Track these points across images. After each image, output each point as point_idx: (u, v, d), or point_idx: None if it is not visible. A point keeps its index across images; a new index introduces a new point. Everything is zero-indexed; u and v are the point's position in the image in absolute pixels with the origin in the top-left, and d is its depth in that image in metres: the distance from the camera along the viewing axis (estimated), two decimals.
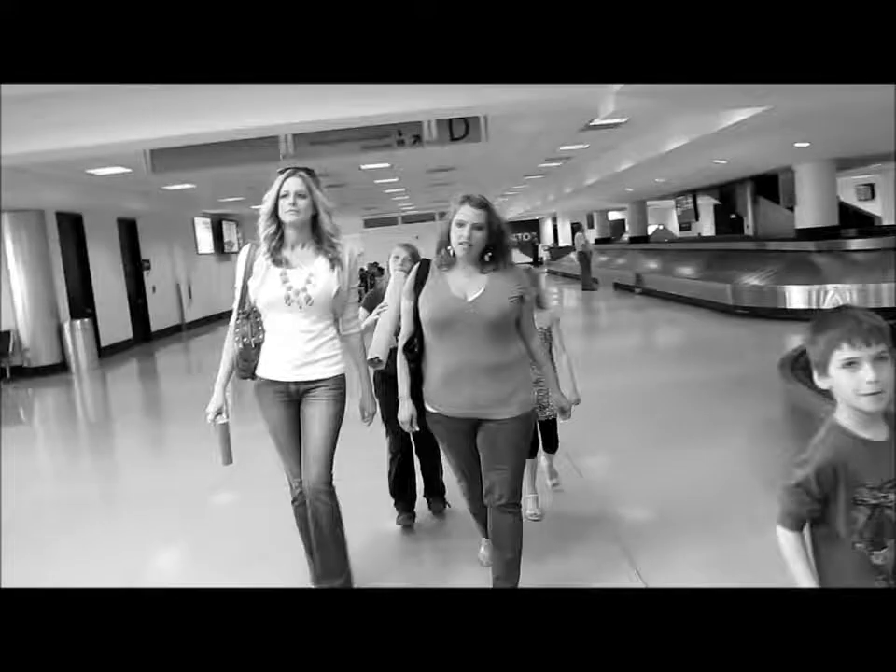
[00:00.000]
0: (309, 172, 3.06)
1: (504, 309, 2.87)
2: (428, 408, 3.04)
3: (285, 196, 2.99)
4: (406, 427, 3.11)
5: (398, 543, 3.97)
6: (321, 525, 3.11)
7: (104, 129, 7.16)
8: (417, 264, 3.10)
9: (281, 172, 3.06)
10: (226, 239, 21.09)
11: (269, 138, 7.41)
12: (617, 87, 6.34)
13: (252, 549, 4.01)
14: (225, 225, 21.05)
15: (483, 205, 2.86)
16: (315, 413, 3.09)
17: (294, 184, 3.00)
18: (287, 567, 3.53)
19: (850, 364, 1.63)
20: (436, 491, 4.21)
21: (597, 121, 8.86)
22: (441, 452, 3.29)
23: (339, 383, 3.14)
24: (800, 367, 4.89)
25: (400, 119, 7.18)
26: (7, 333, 12.22)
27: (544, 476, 4.31)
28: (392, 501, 4.10)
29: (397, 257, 3.81)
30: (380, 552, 3.84)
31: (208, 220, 20.04)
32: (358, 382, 3.27)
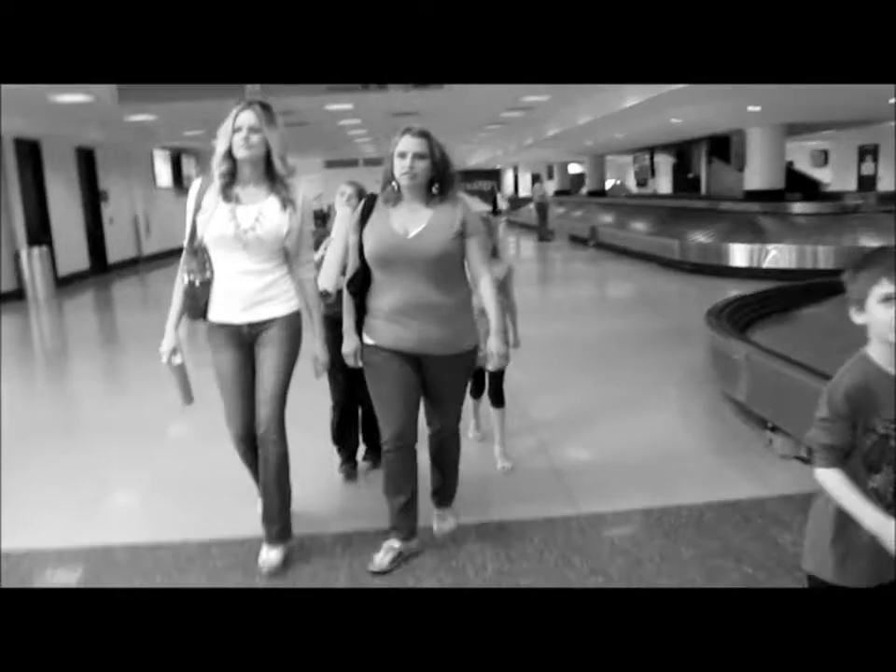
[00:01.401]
0: (264, 106, 2.91)
1: (445, 246, 2.83)
2: (368, 340, 2.99)
3: (238, 130, 2.85)
4: (350, 361, 3.05)
5: (341, 490, 3.93)
6: (268, 469, 3.03)
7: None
8: (364, 199, 3.04)
9: (237, 105, 2.91)
10: (185, 173, 20.86)
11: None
12: None
13: (204, 480, 4.05)
14: (184, 158, 20.83)
15: (424, 134, 2.83)
16: (268, 355, 2.99)
17: (248, 118, 2.85)
18: (239, 498, 3.55)
19: (888, 300, 1.64)
20: (375, 442, 3.95)
21: None
22: (368, 385, 3.07)
23: (292, 321, 3.04)
24: (724, 316, 5.33)
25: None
26: None
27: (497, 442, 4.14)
28: (335, 449, 4.05)
29: (342, 193, 3.74)
30: (324, 498, 3.79)
31: (167, 153, 19.82)
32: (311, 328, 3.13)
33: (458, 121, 16.40)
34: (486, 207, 36.13)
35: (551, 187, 28.55)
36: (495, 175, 37.43)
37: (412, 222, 2.86)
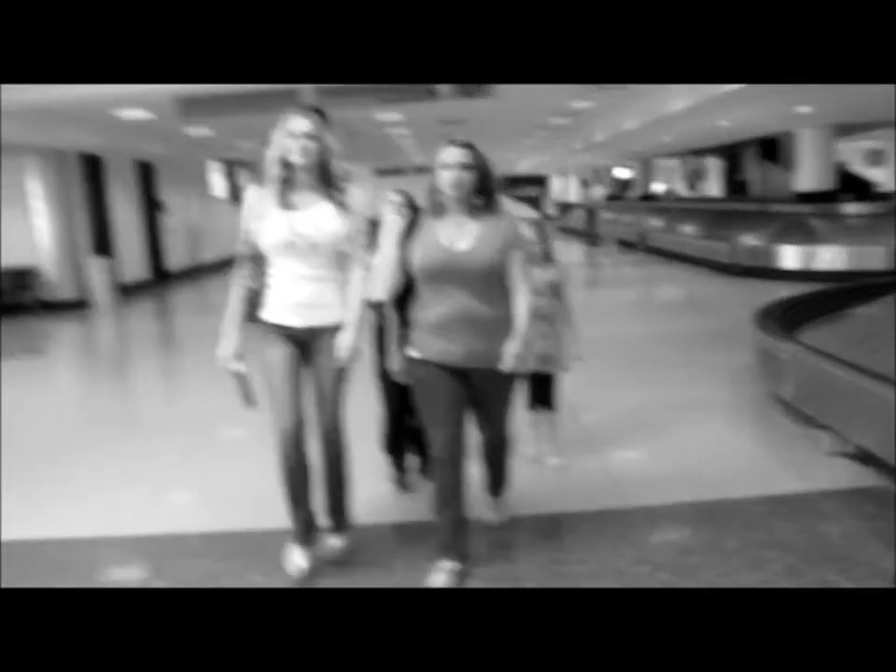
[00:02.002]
0: (319, 112, 2.94)
1: (493, 260, 2.84)
2: (413, 353, 2.99)
3: (293, 136, 2.87)
4: (399, 378, 3.10)
5: (393, 501, 3.88)
6: (332, 458, 3.13)
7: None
8: (408, 214, 3.05)
9: (291, 112, 2.94)
10: (238, 183, 21.43)
11: (292, 89, 7.80)
12: None
13: (251, 478, 4.12)
14: (237, 169, 21.36)
15: (468, 145, 2.83)
16: (326, 361, 3.03)
17: (303, 124, 2.87)
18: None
19: None
20: (425, 452, 3.95)
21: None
22: (416, 400, 3.07)
23: None
24: (772, 317, 5.38)
25: None
26: (32, 269, 12.72)
27: (543, 445, 4.19)
28: (386, 459, 4.00)
29: (391, 202, 3.69)
30: (376, 509, 3.74)
31: (221, 164, 20.34)
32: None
33: (506, 128, 16.55)
34: (534, 213, 36.20)
35: (599, 192, 28.52)
36: (542, 182, 37.47)
37: (459, 235, 2.86)
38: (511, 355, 2.92)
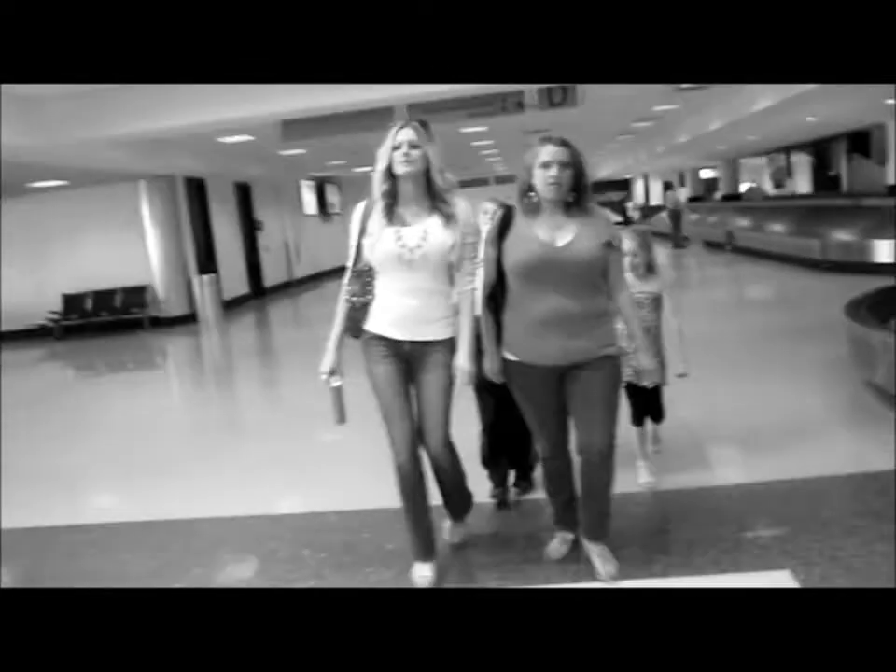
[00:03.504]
0: (422, 123, 2.97)
1: (594, 254, 2.81)
2: (511, 357, 2.97)
3: (398, 148, 2.88)
4: (496, 378, 3.04)
5: (490, 516, 3.77)
6: (447, 477, 3.19)
7: (236, 103, 8.22)
8: (501, 212, 3.02)
9: (394, 125, 2.97)
10: (328, 200, 22.25)
11: (386, 108, 8.28)
12: None
13: (353, 475, 4.51)
14: (328, 187, 22.17)
15: (565, 143, 2.81)
16: (433, 380, 3.02)
17: (407, 134, 2.89)
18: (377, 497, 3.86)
19: None
20: (526, 469, 3.96)
21: (686, 85, 9.35)
22: (517, 401, 3.11)
23: (453, 345, 3.05)
24: (863, 307, 5.51)
25: (504, 89, 7.95)
26: (145, 287, 13.64)
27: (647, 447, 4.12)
28: (485, 474, 3.90)
29: (486, 212, 3.66)
30: (476, 524, 3.60)
31: (312, 183, 21.16)
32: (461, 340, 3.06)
33: (589, 134, 16.76)
34: (617, 218, 36.13)
35: (683, 193, 28.32)
36: (625, 185, 37.34)
37: (557, 232, 2.84)
38: (645, 370, 3.09)
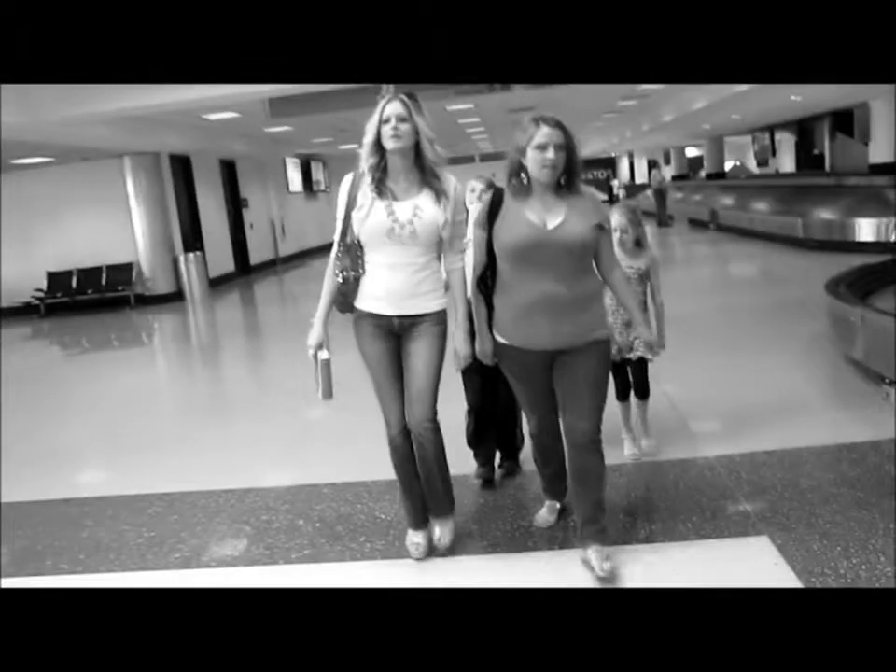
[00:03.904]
0: (410, 96, 2.88)
1: (585, 236, 2.79)
2: (501, 340, 2.97)
3: (386, 122, 2.82)
4: (487, 360, 3.05)
5: (475, 495, 3.78)
6: (428, 460, 3.06)
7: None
8: (490, 193, 2.99)
9: (382, 97, 2.88)
10: (314, 178, 22.18)
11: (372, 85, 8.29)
12: None
13: (343, 450, 4.57)
14: (313, 164, 22.09)
15: (560, 125, 2.76)
16: (420, 350, 3.00)
17: (395, 108, 2.82)
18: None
19: None
20: (512, 449, 3.96)
21: None
22: (512, 385, 3.15)
23: (442, 317, 3.05)
24: (843, 284, 5.64)
25: None
26: (130, 265, 13.62)
27: (637, 430, 4.16)
28: (471, 453, 3.90)
29: (473, 190, 3.63)
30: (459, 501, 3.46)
31: (297, 160, 21.08)
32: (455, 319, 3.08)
33: (574, 113, 16.78)
34: (602, 196, 36.21)
35: (668, 172, 28.42)
36: (610, 164, 37.41)
37: (548, 214, 2.80)
38: (646, 343, 3.14)
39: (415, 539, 3.24)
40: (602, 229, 2.86)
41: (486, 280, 2.96)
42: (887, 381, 4.51)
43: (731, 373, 5.50)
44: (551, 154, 2.72)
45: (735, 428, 4.39)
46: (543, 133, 2.72)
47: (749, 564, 2.92)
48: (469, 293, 3.09)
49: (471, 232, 3.13)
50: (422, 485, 3.16)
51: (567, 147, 2.76)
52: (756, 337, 6.64)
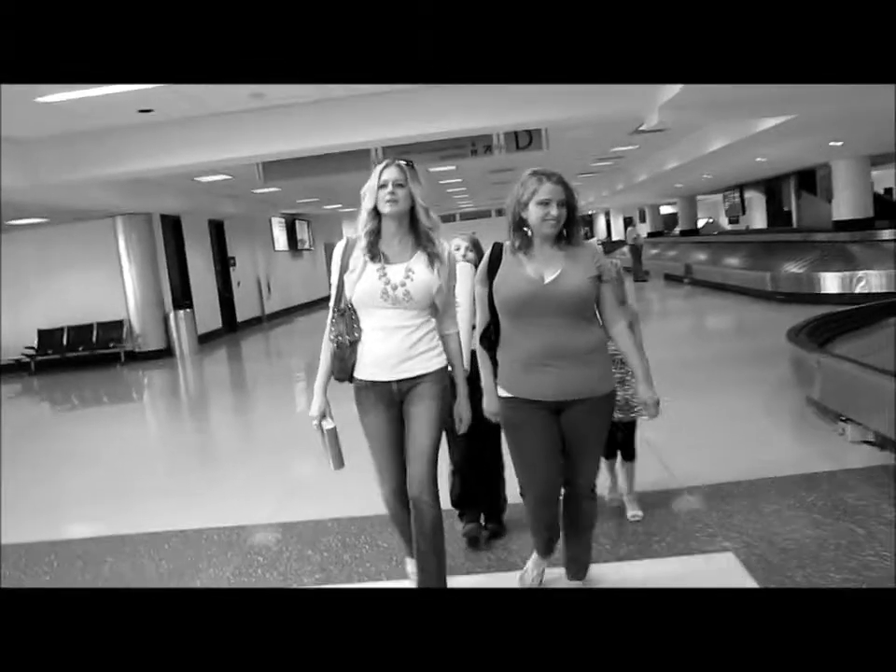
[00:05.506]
0: (408, 163, 2.94)
1: (582, 289, 2.79)
2: (506, 394, 2.93)
3: (383, 186, 2.86)
4: (494, 419, 3.02)
5: (463, 553, 3.77)
6: (425, 530, 2.93)
7: (220, 147, 8.68)
8: (490, 249, 2.97)
9: (378, 163, 2.94)
10: (299, 237, 22.71)
11: (362, 150, 8.80)
12: (661, 101, 7.58)
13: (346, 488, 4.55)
14: (298, 224, 22.64)
15: (562, 181, 2.78)
16: (421, 413, 2.93)
17: (392, 173, 2.86)
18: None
19: None
20: (496, 511, 3.92)
21: (644, 128, 10.02)
22: (507, 442, 3.07)
23: (442, 376, 2.98)
24: (804, 332, 6.10)
25: (474, 133, 8.53)
26: (121, 322, 13.93)
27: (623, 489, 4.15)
28: (456, 512, 3.89)
29: (457, 248, 3.66)
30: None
31: (283, 220, 21.62)
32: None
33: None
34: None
35: (643, 229, 29.23)
36: (587, 222, 38.32)
37: (546, 267, 2.81)
38: (649, 403, 2.98)
39: (412, 567, 3.26)
40: (601, 280, 2.86)
41: (490, 336, 2.96)
42: (842, 418, 4.91)
43: (704, 415, 5.93)
44: (554, 211, 2.75)
45: (706, 463, 4.76)
46: (546, 190, 2.75)
47: (716, 576, 3.26)
48: (467, 354, 3.16)
49: (459, 293, 3.20)
50: (417, 556, 3.02)
51: (568, 202, 2.80)
52: (727, 382, 7.10)
